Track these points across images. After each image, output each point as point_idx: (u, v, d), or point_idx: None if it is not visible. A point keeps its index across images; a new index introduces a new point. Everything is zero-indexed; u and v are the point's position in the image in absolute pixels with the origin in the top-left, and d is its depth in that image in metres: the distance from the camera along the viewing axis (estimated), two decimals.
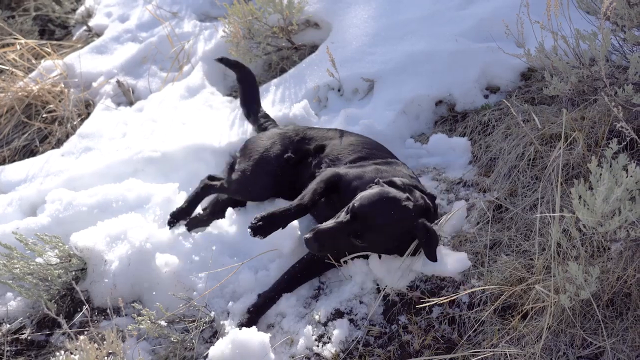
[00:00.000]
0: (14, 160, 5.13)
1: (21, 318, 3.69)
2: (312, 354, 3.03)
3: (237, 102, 4.93)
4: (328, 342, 3.03)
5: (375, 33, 4.68)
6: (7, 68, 5.70)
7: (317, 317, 3.16)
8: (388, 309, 3.11)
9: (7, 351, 3.52)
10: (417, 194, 3.12)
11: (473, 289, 2.92)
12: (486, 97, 4.16)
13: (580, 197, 2.45)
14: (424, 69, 4.29)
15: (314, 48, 5.14)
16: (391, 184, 3.12)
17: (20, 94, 5.48)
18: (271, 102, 4.71)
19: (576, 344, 2.60)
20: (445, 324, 2.93)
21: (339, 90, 4.53)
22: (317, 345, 3.04)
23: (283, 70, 5.14)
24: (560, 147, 2.91)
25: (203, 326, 3.28)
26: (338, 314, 3.15)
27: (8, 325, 3.66)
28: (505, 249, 3.10)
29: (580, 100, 3.56)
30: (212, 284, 3.37)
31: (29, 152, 5.26)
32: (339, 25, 4.91)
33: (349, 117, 4.17)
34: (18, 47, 5.89)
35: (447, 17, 4.59)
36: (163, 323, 3.20)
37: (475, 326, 2.84)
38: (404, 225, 3.01)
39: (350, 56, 4.56)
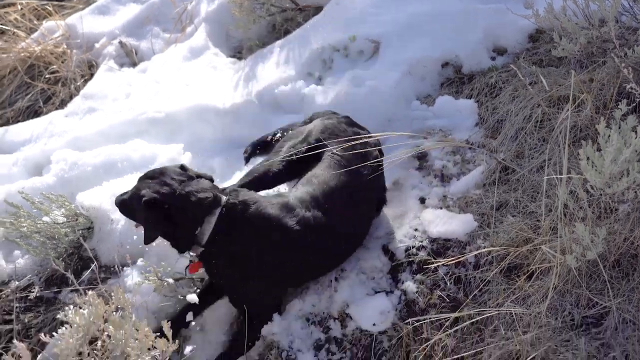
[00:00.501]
0: (18, 121, 5.12)
1: (29, 275, 3.72)
2: None
3: (241, 63, 4.91)
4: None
5: None
6: (8, 29, 5.65)
7: None
8: (394, 267, 3.13)
9: (17, 307, 3.56)
10: None
11: (479, 250, 2.92)
12: (493, 59, 4.12)
13: (588, 158, 2.44)
14: (429, 30, 4.25)
15: (318, 9, 5.06)
16: None
17: (22, 54, 5.44)
18: (275, 63, 4.66)
19: (582, 304, 2.60)
20: (451, 283, 2.94)
21: (344, 51, 4.48)
22: None
23: (287, 32, 5.08)
24: (568, 109, 2.88)
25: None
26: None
27: (17, 283, 3.69)
28: (512, 210, 3.10)
29: (589, 62, 3.53)
30: None
31: (33, 112, 5.24)
32: None
33: (354, 79, 4.14)
34: (19, 7, 5.83)
35: None
36: (170, 280, 3.23)
37: (481, 286, 2.85)
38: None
39: (356, 17, 4.51)
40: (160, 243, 3.10)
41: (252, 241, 2.99)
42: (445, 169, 3.56)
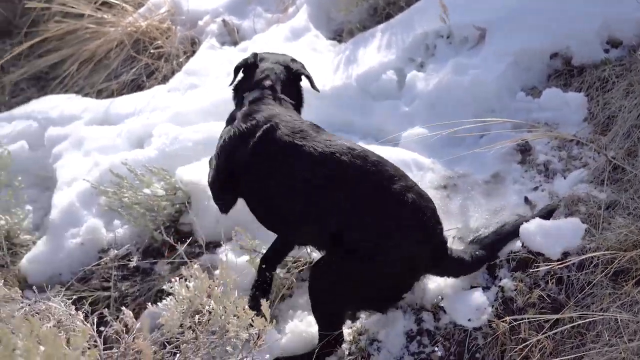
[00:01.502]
0: (123, 94, 5.27)
1: (128, 245, 3.85)
2: None
3: (342, 46, 4.87)
4: None
5: None
6: (118, 3, 5.79)
7: None
8: (491, 265, 3.05)
9: (115, 275, 3.67)
10: None
11: (586, 255, 2.79)
12: (606, 51, 3.90)
13: None
14: (539, 18, 4.07)
15: None
16: None
17: (129, 29, 5.59)
18: (377, 48, 4.59)
19: None
20: (552, 283, 2.83)
21: (447, 38, 4.38)
22: None
23: (389, 16, 5.00)
24: None
25: (302, 266, 3.34)
26: None
27: (115, 251, 3.81)
28: (622, 211, 2.95)
29: None
30: None
31: (136, 86, 5.39)
32: None
33: (457, 67, 4.04)
34: None
35: None
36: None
37: (585, 288, 2.74)
38: None
39: (462, 3, 4.39)
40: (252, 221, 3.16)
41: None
42: (549, 165, 3.44)
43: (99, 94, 5.38)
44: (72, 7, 5.69)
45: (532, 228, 2.97)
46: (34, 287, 2.92)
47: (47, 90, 5.58)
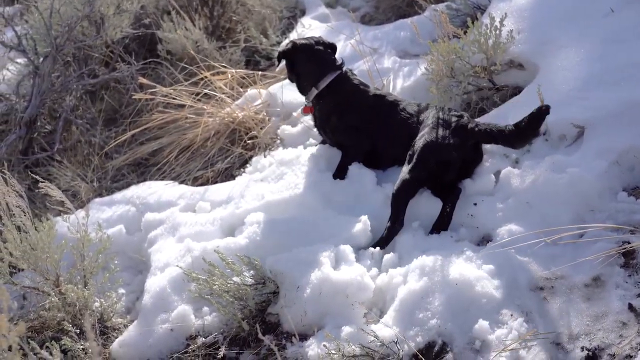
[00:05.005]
0: (217, 182, 5.39)
1: (215, 333, 3.85)
2: None
3: None
4: None
5: (587, 77, 4.40)
6: (216, 94, 6.01)
7: None
8: None
9: None
10: None
11: None
12: None
13: None
14: (638, 119, 3.96)
15: (516, 89, 4.97)
16: None
17: (226, 119, 5.77)
18: None
19: None
20: None
21: (544, 135, 4.30)
22: None
23: (482, 110, 5.00)
24: None
25: None
26: None
27: (203, 339, 3.84)
28: None
29: None
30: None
31: (230, 175, 5.51)
32: (546, 68, 4.69)
33: (554, 164, 3.94)
34: (229, 75, 6.20)
35: None
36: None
37: None
38: None
39: (559, 100, 4.31)
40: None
41: (348, 98, 4.76)
42: None
43: (195, 181, 5.54)
44: (174, 99, 5.94)
45: None
46: None
47: (146, 176, 5.78)
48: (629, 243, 3.35)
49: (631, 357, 2.86)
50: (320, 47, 4.87)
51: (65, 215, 4.69)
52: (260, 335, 3.41)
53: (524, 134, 4.03)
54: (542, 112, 3.93)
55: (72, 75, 6.66)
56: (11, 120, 6.54)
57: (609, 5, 4.90)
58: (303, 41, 4.87)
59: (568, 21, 4.97)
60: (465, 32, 5.04)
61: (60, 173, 5.87)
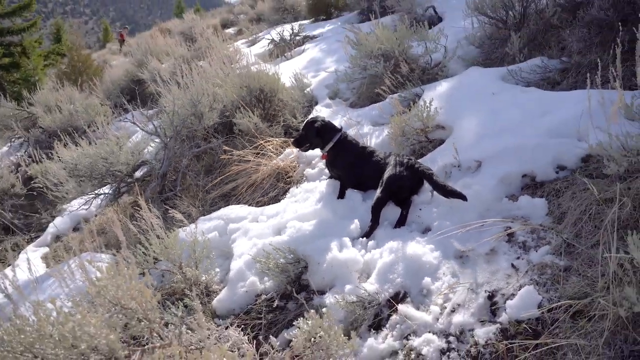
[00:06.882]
0: (269, 204, 5.45)
1: (272, 292, 3.87)
2: None
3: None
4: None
5: (482, 133, 4.49)
6: (267, 153, 6.11)
7: None
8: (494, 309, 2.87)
9: (264, 310, 3.70)
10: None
11: (552, 305, 2.60)
12: (557, 172, 3.80)
13: (634, 244, 2.15)
14: (515, 155, 4.03)
15: (441, 142, 5.02)
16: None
17: (273, 167, 5.85)
18: None
19: (629, 341, 2.27)
20: (533, 320, 2.65)
21: (458, 167, 4.37)
22: None
23: (422, 155, 5.05)
24: (614, 209, 2.58)
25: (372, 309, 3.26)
26: None
27: (264, 296, 3.85)
28: (575, 273, 2.78)
29: (626, 175, 3.16)
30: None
31: (276, 199, 5.55)
32: (458, 128, 4.78)
33: (465, 184, 4.01)
34: (275, 142, 6.30)
35: (531, 123, 4.28)
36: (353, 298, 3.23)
37: (555, 323, 2.55)
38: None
39: (465, 146, 4.42)
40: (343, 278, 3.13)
41: (346, 148, 4.72)
42: (526, 243, 3.30)
43: (257, 204, 5.58)
44: (244, 157, 6.05)
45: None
46: (219, 319, 2.95)
47: (229, 203, 5.82)
48: (510, 228, 3.40)
49: (514, 295, 2.90)
50: (328, 122, 4.96)
51: (184, 228, 4.78)
52: (294, 294, 3.52)
53: (440, 190, 3.92)
54: (454, 193, 3.79)
55: (185, 147, 6.79)
56: (153, 175, 6.67)
57: (492, 90, 4.99)
58: (323, 121, 4.93)
59: (469, 101, 5.07)
60: (409, 110, 5.12)
61: (180, 203, 5.97)
